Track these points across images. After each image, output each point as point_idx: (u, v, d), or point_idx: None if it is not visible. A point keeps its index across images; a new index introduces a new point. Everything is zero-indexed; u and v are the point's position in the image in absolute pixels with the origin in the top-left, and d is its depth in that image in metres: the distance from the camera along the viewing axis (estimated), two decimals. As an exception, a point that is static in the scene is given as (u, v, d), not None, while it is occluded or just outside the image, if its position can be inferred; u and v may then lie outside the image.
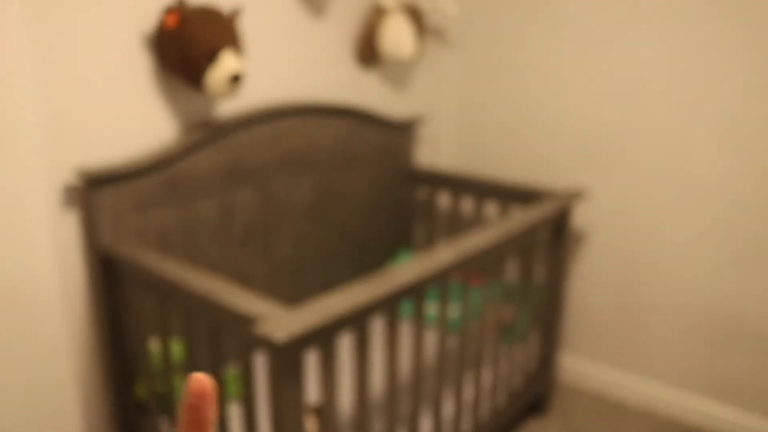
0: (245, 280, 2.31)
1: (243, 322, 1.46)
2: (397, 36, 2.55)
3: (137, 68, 1.95)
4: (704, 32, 2.37)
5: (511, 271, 2.94)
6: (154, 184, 1.96)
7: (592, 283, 2.85)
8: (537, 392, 2.62)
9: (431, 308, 2.62)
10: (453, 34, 3.09)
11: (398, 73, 2.93)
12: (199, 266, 2.15)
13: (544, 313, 2.55)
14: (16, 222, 1.64)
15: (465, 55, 3.07)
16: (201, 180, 2.09)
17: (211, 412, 0.42)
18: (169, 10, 1.83)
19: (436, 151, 3.21)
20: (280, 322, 1.35)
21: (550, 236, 2.47)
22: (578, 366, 2.96)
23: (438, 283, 1.81)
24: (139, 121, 1.99)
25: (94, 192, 1.82)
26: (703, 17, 2.36)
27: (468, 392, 2.23)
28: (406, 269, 1.68)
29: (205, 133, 2.06)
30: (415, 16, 2.61)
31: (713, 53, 2.37)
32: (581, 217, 2.82)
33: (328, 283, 2.65)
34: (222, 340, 1.62)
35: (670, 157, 2.53)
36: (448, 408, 2.15)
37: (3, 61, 1.54)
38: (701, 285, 2.55)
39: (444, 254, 1.80)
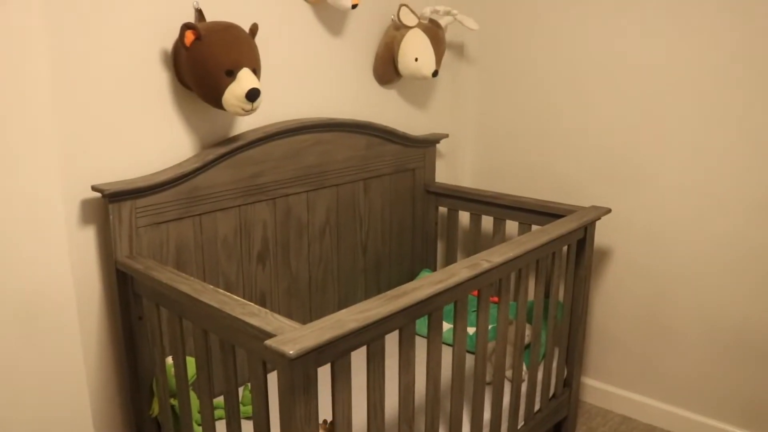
0: (261, 296, 2.30)
1: (256, 338, 1.44)
2: (416, 53, 2.54)
3: (156, 84, 1.96)
4: (728, 46, 2.34)
5: (532, 289, 2.90)
6: (171, 199, 1.96)
7: (615, 303, 2.80)
8: (560, 414, 2.57)
9: (448, 326, 2.59)
10: (472, 51, 3.08)
11: (417, 90, 2.92)
12: (216, 282, 2.15)
13: (566, 332, 2.50)
14: (34, 236, 1.64)
15: (484, 71, 3.06)
16: (218, 195, 2.09)
17: None
18: (187, 27, 1.83)
19: (456, 168, 3.19)
20: (293, 337, 1.33)
21: (572, 254, 2.43)
22: (602, 388, 2.90)
23: (455, 300, 1.78)
24: (157, 137, 1.99)
25: (111, 207, 1.82)
26: (728, 31, 2.33)
27: (486, 413, 2.19)
28: (422, 286, 1.66)
29: (223, 149, 2.07)
30: (434, 33, 2.60)
31: (735, 66, 2.33)
32: (604, 235, 2.77)
33: (346, 301, 2.63)
34: (235, 357, 1.60)
35: (694, 172, 2.49)
36: (465, 429, 2.11)
37: (23, 77, 1.56)
38: (731, 304, 2.49)
39: (461, 271, 1.77)
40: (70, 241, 1.82)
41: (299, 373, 1.35)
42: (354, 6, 2.24)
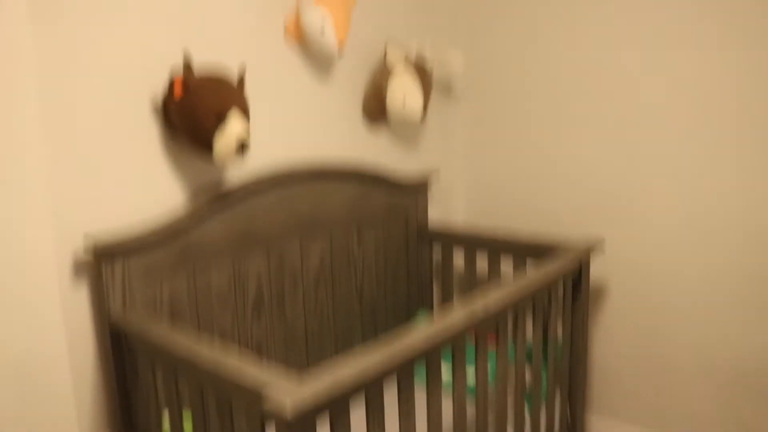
0: (258, 348, 2.28)
1: (252, 395, 1.42)
2: (405, 94, 2.56)
3: (146, 136, 1.97)
4: (719, 79, 2.36)
5: (529, 328, 2.88)
6: (164, 253, 1.95)
7: (615, 338, 2.77)
8: (563, 454, 2.53)
9: (446, 372, 2.56)
10: (459, 89, 3.10)
11: (407, 130, 2.94)
12: (211, 336, 2.12)
13: (567, 371, 2.48)
14: (26, 294, 1.63)
15: (472, 109, 3.08)
16: (211, 247, 2.08)
17: None
18: (176, 79, 1.85)
19: (449, 207, 3.19)
20: (290, 392, 1.31)
21: (568, 291, 2.42)
22: (607, 427, 2.86)
23: (453, 343, 1.76)
24: (148, 189, 1.99)
25: (103, 264, 1.81)
26: (723, 67, 2.35)
27: (491, 457, 2.16)
28: (418, 332, 1.64)
29: (215, 200, 2.06)
30: (421, 73, 2.63)
31: (729, 98, 2.35)
32: (599, 269, 2.77)
33: (344, 348, 2.60)
34: (232, 412, 1.58)
35: (688, 203, 2.49)
36: (470, 474, 2.07)
37: (13, 132, 1.56)
38: (732, 336, 2.47)
39: (457, 315, 1.76)
40: (63, 299, 1.81)
41: (298, 430, 1.32)
42: (340, 49, 2.26)
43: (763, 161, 2.30)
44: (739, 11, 2.27)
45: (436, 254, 3.07)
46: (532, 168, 2.92)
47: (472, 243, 2.77)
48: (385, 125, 2.81)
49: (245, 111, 1.97)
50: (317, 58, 2.44)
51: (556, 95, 2.78)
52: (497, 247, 2.69)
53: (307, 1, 2.25)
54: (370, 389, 1.50)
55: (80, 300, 1.86)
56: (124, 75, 1.89)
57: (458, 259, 3.15)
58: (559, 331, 2.68)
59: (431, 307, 3.04)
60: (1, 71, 1.53)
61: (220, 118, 1.89)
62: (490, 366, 2.38)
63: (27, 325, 1.64)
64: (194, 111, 1.87)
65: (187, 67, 2.00)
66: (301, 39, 2.33)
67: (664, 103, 2.48)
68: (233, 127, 1.89)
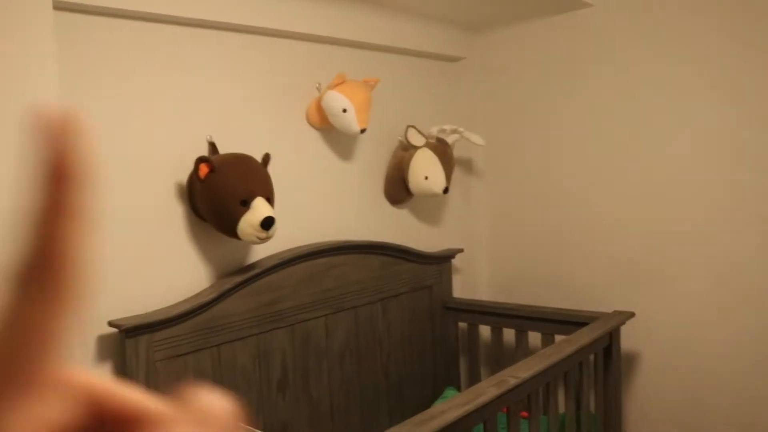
0: (283, 427, 2.23)
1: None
2: (426, 172, 2.58)
3: (172, 217, 1.99)
4: (736, 130, 2.36)
5: (562, 401, 2.80)
6: (188, 330, 1.94)
7: (649, 409, 2.69)
8: None
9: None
10: (481, 165, 3.12)
11: (429, 207, 2.95)
12: (236, 415, 2.08)
13: (601, 447, 2.40)
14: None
15: (494, 184, 3.09)
16: (236, 325, 2.07)
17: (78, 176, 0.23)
18: (201, 160, 1.87)
19: (473, 282, 3.17)
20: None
21: (600, 363, 2.37)
22: (644, 504, 2.74)
23: (484, 420, 1.72)
24: (173, 269, 2.00)
25: (127, 342, 1.80)
26: (733, 117, 2.36)
27: None
28: (450, 408, 1.60)
29: (239, 278, 2.06)
30: (442, 150, 2.65)
31: (753, 157, 2.34)
32: (630, 340, 2.70)
33: (370, 427, 2.54)
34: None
35: (717, 269, 2.45)
36: None
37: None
38: (766, 406, 2.38)
39: (488, 390, 1.72)
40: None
41: None
42: (363, 131, 2.29)
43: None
44: (762, 65, 2.29)
45: (462, 329, 3.03)
46: (555, 241, 2.90)
47: (498, 318, 2.73)
48: (408, 205, 2.83)
49: (270, 196, 1.99)
50: (340, 137, 2.48)
51: (574, 168, 2.79)
52: (524, 321, 2.65)
53: (328, 87, 2.30)
54: (402, 468, 1.45)
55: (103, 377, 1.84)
56: (150, 159, 1.93)
57: (484, 335, 3.10)
58: (591, 403, 2.60)
59: (458, 383, 2.98)
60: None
61: (244, 204, 1.90)
62: (522, 443, 2.31)
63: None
64: (219, 195, 1.89)
65: (212, 144, 2.04)
66: (323, 122, 2.37)
67: (686, 167, 2.48)
68: (258, 212, 1.90)
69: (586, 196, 2.77)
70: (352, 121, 2.27)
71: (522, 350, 2.66)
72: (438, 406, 1.62)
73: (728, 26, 2.33)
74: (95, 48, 1.81)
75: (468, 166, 3.14)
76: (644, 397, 2.70)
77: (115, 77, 1.86)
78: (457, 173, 3.09)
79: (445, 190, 2.60)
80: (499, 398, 1.73)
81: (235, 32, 2.15)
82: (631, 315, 2.41)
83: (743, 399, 2.44)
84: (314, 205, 2.42)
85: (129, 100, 1.88)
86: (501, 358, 2.77)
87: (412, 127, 2.62)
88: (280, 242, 2.28)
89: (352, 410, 2.47)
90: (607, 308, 2.74)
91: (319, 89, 2.40)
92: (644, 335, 2.67)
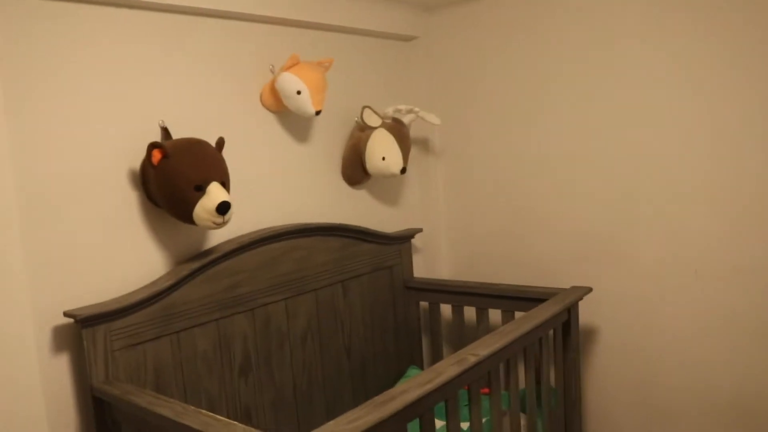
0: (246, 412, 2.22)
1: (242, 460, 1.38)
2: (383, 152, 2.57)
3: (125, 204, 1.95)
4: (703, 109, 2.40)
5: (523, 377, 2.84)
6: (146, 318, 1.91)
7: (609, 382, 2.74)
8: (564, 507, 2.47)
9: (441, 424, 2.51)
10: (438, 144, 3.13)
11: (387, 188, 2.95)
12: (198, 400, 2.07)
13: (562, 419, 2.44)
14: (4, 365, 1.60)
15: (452, 162, 3.10)
16: (195, 311, 2.05)
17: None
18: (154, 146, 1.84)
19: (434, 261, 3.18)
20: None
21: (559, 338, 2.40)
22: (604, 473, 2.81)
23: (445, 399, 1.73)
24: (129, 256, 1.97)
25: (84, 332, 1.77)
26: (696, 95, 2.40)
27: None
28: (410, 388, 1.61)
29: (196, 263, 2.04)
30: (399, 130, 2.65)
31: (712, 137, 2.38)
32: (588, 315, 2.75)
33: (334, 408, 2.55)
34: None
35: (673, 244, 2.49)
36: None
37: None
38: (724, 370, 2.44)
39: (449, 369, 1.73)
40: (43, 368, 1.76)
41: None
42: (318, 112, 2.28)
43: (753, 194, 2.32)
44: (736, 60, 2.32)
45: (423, 309, 3.05)
46: (514, 219, 2.93)
47: (459, 296, 2.75)
48: (366, 186, 2.82)
49: (225, 180, 1.96)
50: (295, 119, 2.46)
51: (531, 145, 2.80)
52: (485, 299, 2.67)
53: (282, 69, 2.28)
54: (364, 448, 1.46)
55: (61, 368, 1.82)
56: (102, 146, 1.89)
57: (446, 313, 3.12)
58: (552, 378, 2.65)
59: (421, 362, 3.00)
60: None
61: (199, 189, 1.88)
62: (485, 420, 2.34)
63: (5, 395, 1.60)
64: (173, 181, 1.86)
65: (164, 129, 2.01)
66: (278, 105, 2.35)
67: (644, 144, 2.51)
68: (213, 197, 1.88)
69: (544, 173, 2.80)
70: (307, 103, 2.25)
71: (483, 327, 2.68)
72: (399, 386, 1.63)
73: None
74: (38, 33, 1.76)
75: (425, 145, 3.14)
76: (602, 370, 2.75)
77: (62, 62, 1.81)
78: (414, 153, 3.09)
79: (403, 170, 2.60)
80: (460, 376, 1.75)
81: (187, 15, 2.11)
82: (589, 290, 2.44)
83: (699, 372, 2.50)
84: (271, 188, 2.40)
85: (77, 86, 1.84)
86: (463, 336, 2.80)
87: (368, 107, 2.60)
88: (237, 227, 2.26)
89: (315, 393, 2.47)
90: (566, 284, 2.79)
91: (272, 71, 2.37)
92: (602, 310, 2.71)
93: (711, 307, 2.44)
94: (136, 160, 1.97)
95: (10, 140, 1.68)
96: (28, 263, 1.72)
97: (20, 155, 1.71)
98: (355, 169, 2.67)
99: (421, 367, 3.00)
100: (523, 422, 2.41)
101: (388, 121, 2.67)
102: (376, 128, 2.60)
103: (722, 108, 2.32)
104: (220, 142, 2.02)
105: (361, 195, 2.80)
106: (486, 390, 2.59)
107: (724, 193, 2.35)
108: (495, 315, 2.91)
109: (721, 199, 2.36)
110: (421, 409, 1.63)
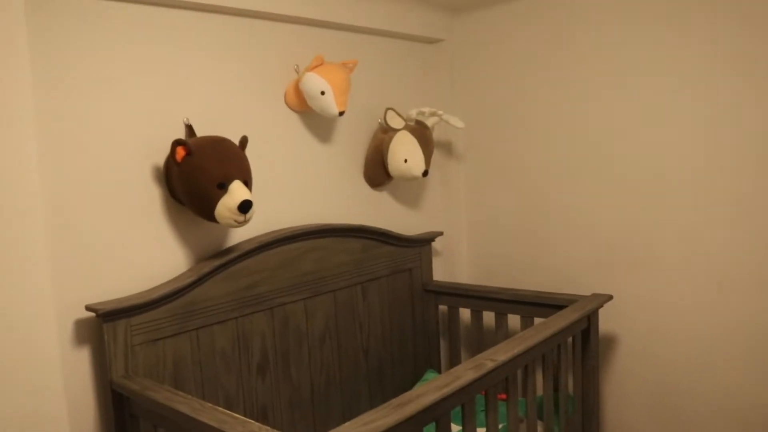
0: (263, 410, 2.23)
1: (257, 458, 1.38)
2: (406, 155, 2.57)
3: (149, 200, 1.97)
4: (723, 127, 2.37)
5: (540, 384, 2.82)
6: (166, 314, 1.93)
7: (627, 391, 2.72)
8: None
9: (457, 428, 2.50)
10: (461, 148, 3.12)
11: (409, 191, 2.94)
12: (215, 397, 2.08)
13: (579, 426, 2.42)
14: (27, 358, 1.61)
15: (474, 167, 3.09)
16: (215, 308, 2.06)
17: None
18: (178, 143, 1.86)
19: (453, 265, 3.17)
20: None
21: (578, 345, 2.38)
22: (621, 484, 2.78)
23: (462, 403, 1.72)
24: (151, 252, 1.98)
25: (105, 326, 1.79)
26: (723, 115, 2.37)
27: None
28: (427, 392, 1.61)
29: (218, 261, 2.05)
30: (421, 133, 2.64)
31: (730, 146, 2.36)
32: (608, 322, 2.73)
33: (350, 409, 2.55)
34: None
35: (696, 253, 2.46)
36: None
37: (16, 198, 1.56)
38: (744, 380, 2.41)
39: (466, 373, 1.73)
40: (64, 362, 1.78)
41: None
42: (341, 113, 2.28)
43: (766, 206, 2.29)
44: (747, 69, 2.29)
45: (442, 312, 3.04)
46: (535, 225, 2.91)
47: (479, 301, 2.74)
48: (388, 188, 2.82)
49: (247, 179, 1.97)
50: (318, 120, 2.47)
51: (554, 151, 2.79)
52: (504, 304, 2.66)
53: (306, 70, 2.28)
54: (379, 451, 1.46)
55: (82, 362, 1.84)
56: (126, 143, 1.91)
57: (464, 318, 3.11)
58: (569, 385, 2.63)
59: (439, 366, 2.99)
60: (3, 144, 1.54)
61: (221, 187, 1.89)
62: (501, 426, 2.33)
63: (27, 388, 1.62)
64: (196, 179, 1.87)
65: (188, 127, 2.02)
66: (302, 105, 2.35)
67: (666, 153, 2.49)
68: (235, 195, 1.89)
69: (567, 179, 2.78)
70: (330, 104, 2.26)
71: (502, 333, 2.67)
72: (416, 389, 1.62)
73: (714, 6, 2.33)
74: (69, 30, 1.78)
75: (447, 149, 3.13)
76: (621, 379, 2.73)
77: (91, 60, 1.83)
78: (436, 156, 3.08)
79: (425, 173, 2.59)
80: (477, 381, 1.74)
81: (213, 13, 2.13)
82: (609, 298, 2.42)
83: (719, 381, 2.47)
84: (293, 188, 2.41)
85: (104, 83, 1.86)
86: (481, 340, 2.79)
87: (391, 109, 2.61)
88: (258, 226, 2.28)
89: (332, 393, 2.48)
90: (586, 291, 2.77)
91: (297, 71, 2.38)
92: (622, 318, 2.69)
93: (733, 318, 2.41)
94: (161, 157, 1.99)
95: (38, 136, 1.70)
96: (52, 257, 1.74)
97: (46, 150, 1.73)
98: (377, 171, 2.67)
99: (439, 371, 2.99)
100: (539, 429, 2.39)
101: (411, 123, 2.67)
102: (398, 130, 2.60)
103: (753, 117, 2.29)
104: (244, 141, 2.03)
105: (382, 197, 2.80)
106: (503, 396, 2.58)
107: (751, 205, 2.32)
108: (514, 321, 2.90)
109: (748, 211, 2.33)
110: (437, 413, 1.63)
